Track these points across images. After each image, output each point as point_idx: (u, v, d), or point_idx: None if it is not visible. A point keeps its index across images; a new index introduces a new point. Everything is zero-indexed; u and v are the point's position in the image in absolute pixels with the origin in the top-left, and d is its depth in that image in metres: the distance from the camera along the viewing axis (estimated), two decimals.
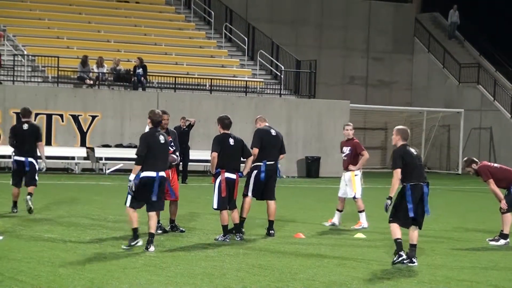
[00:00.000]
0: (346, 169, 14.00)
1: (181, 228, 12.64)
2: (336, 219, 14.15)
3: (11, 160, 14.62)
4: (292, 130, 29.05)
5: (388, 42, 39.14)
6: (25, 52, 27.65)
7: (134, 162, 10.74)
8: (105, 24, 31.15)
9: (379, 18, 38.85)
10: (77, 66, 27.36)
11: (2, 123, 25.60)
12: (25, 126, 14.21)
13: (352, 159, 13.95)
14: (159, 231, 12.33)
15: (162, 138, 10.80)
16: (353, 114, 32.55)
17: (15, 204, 14.35)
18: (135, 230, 10.70)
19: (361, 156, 13.93)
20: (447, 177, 33.11)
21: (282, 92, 30.50)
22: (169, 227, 12.58)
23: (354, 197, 13.98)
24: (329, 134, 30.12)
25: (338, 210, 14.18)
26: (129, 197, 10.67)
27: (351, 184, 13.93)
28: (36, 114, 25.78)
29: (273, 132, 12.62)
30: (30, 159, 14.12)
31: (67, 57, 27.87)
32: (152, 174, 10.57)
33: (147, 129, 25.07)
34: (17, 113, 25.60)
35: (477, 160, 12.68)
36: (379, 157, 37.96)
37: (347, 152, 13.99)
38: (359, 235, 12.98)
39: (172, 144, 12.01)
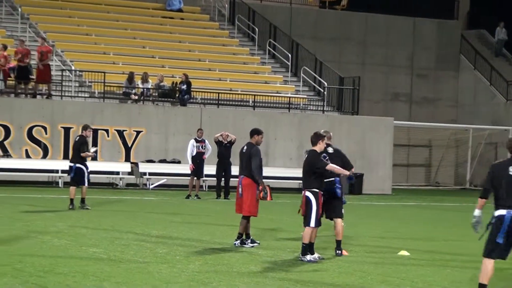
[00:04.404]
0: None
1: (253, 243, 12.83)
2: None
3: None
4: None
5: (432, 59, 38.82)
6: (73, 68, 28.10)
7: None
8: (150, 40, 31.51)
9: (422, 34, 38.59)
10: (123, 82, 27.72)
11: (50, 138, 26.01)
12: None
13: None
14: (238, 242, 12.82)
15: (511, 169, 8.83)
16: (397, 131, 32.30)
17: None
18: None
19: None
20: None
21: (325, 109, 30.44)
22: (238, 241, 12.84)
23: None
24: (372, 151, 29.94)
25: None
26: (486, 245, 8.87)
27: None
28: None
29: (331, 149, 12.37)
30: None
31: (113, 72, 28.24)
32: (502, 212, 8.72)
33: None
34: (65, 128, 26.04)
35: None
36: (423, 174, 37.60)
37: None
38: (403, 252, 12.86)
39: None
